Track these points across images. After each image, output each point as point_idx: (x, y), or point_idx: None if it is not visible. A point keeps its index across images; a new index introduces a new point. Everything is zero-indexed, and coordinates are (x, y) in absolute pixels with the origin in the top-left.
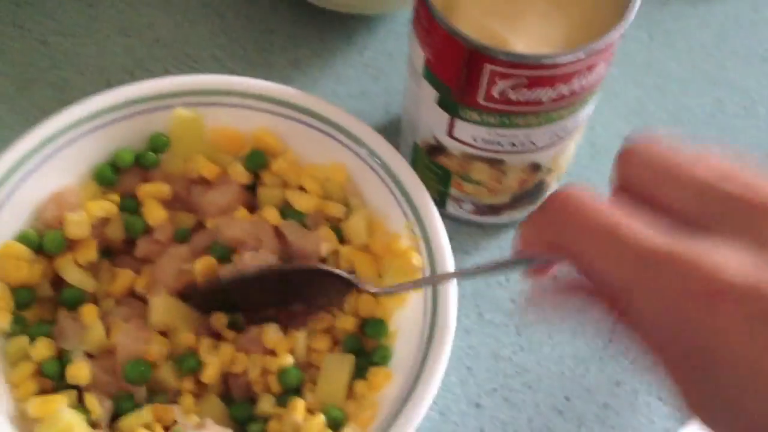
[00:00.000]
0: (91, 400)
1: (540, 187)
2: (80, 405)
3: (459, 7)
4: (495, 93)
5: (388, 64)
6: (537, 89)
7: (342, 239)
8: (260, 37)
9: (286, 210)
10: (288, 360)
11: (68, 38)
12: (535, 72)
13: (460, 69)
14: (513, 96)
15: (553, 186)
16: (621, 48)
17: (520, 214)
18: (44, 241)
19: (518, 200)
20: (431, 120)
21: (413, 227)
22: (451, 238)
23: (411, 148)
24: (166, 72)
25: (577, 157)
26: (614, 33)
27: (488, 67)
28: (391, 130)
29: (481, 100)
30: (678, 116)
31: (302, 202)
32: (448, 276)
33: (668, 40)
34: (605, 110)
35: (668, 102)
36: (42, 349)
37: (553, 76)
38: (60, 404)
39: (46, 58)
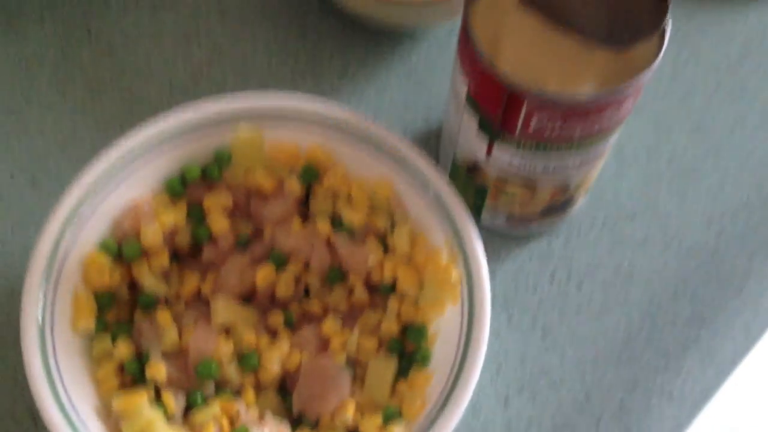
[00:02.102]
0: (168, 396)
1: (568, 201)
2: (157, 400)
3: (501, 43)
4: (531, 126)
5: (430, 75)
6: (570, 124)
7: (386, 250)
8: (310, 48)
9: (336, 221)
10: (342, 356)
11: (134, 46)
12: (569, 110)
13: (499, 103)
14: (548, 129)
15: (580, 199)
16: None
17: (549, 223)
18: (123, 250)
19: (548, 212)
20: (471, 141)
21: (452, 243)
22: (483, 245)
23: (450, 162)
24: (223, 80)
25: (604, 168)
26: (642, 76)
27: (526, 105)
28: (431, 139)
29: (518, 132)
30: (700, 129)
31: (352, 216)
32: None
33: (693, 54)
34: (631, 123)
35: (692, 115)
36: (123, 349)
37: (586, 113)
38: (141, 400)
39: (114, 66)
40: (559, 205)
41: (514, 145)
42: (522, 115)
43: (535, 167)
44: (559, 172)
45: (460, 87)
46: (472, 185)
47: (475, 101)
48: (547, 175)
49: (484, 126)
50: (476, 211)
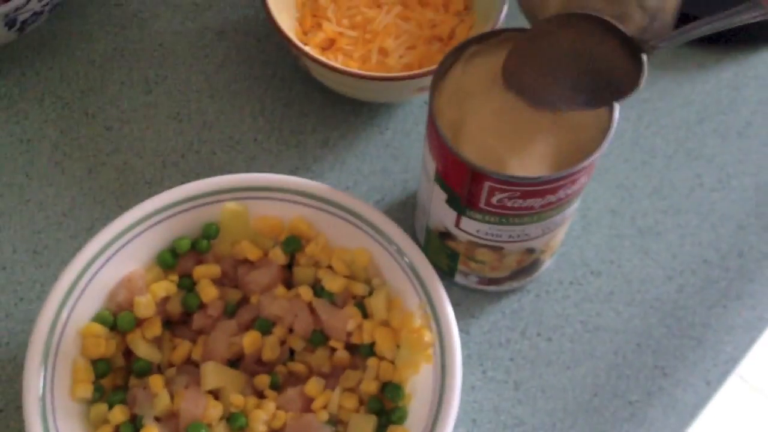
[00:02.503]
0: None
1: (535, 263)
2: None
3: (465, 128)
4: (494, 201)
5: (406, 144)
6: (528, 199)
7: (365, 314)
8: (294, 121)
9: (318, 288)
10: (324, 415)
11: (128, 124)
12: (526, 188)
13: (464, 182)
14: (509, 203)
15: (546, 261)
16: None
17: (518, 283)
18: (118, 321)
19: (516, 274)
20: (441, 213)
21: (425, 306)
22: (458, 304)
23: (424, 230)
24: (212, 154)
25: (570, 228)
26: (592, 157)
27: (487, 184)
28: (408, 205)
29: (482, 206)
30: (661, 190)
31: (332, 283)
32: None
33: (654, 118)
34: (595, 185)
35: (653, 176)
36: (118, 414)
37: (542, 190)
38: None
39: (110, 142)
40: (527, 267)
41: (479, 218)
42: (484, 193)
43: (500, 236)
44: (523, 239)
45: (429, 165)
46: (445, 250)
47: (442, 179)
48: (513, 242)
49: (452, 201)
50: (450, 272)
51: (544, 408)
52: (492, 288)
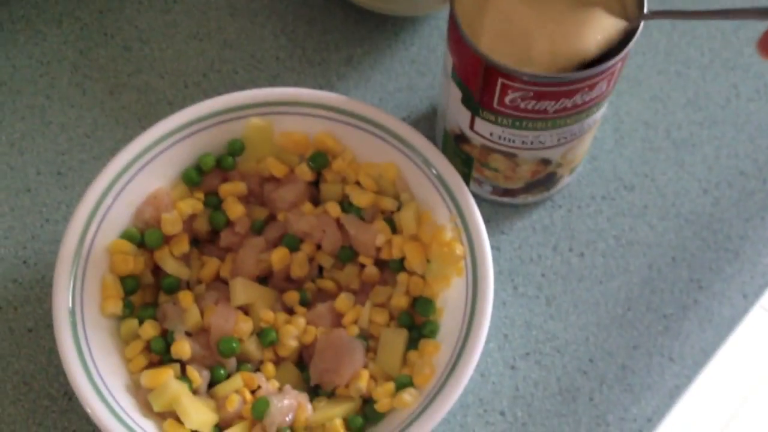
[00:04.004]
0: (192, 372)
1: (551, 177)
2: (183, 376)
3: (483, 24)
4: (507, 101)
5: (432, 60)
6: (542, 101)
7: (394, 230)
8: (317, 38)
9: (346, 204)
10: (355, 330)
11: (148, 44)
12: (540, 88)
13: (478, 78)
14: (522, 105)
15: (565, 177)
16: (645, 36)
17: (533, 197)
18: (145, 238)
19: (531, 187)
20: (457, 114)
21: (456, 220)
22: (487, 220)
23: (442, 134)
24: (234, 73)
25: (602, 142)
26: (612, 62)
27: (500, 80)
28: (433, 117)
29: (495, 105)
30: (696, 102)
31: (360, 198)
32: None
33: (689, 27)
34: (628, 97)
35: (688, 88)
36: (149, 329)
37: (556, 92)
38: (168, 376)
39: (130, 63)
40: (542, 180)
41: (492, 119)
42: (498, 90)
43: (513, 141)
44: (537, 147)
45: (447, 63)
46: (460, 155)
47: (458, 78)
48: (526, 149)
49: (466, 99)
50: (465, 179)
51: (577, 323)
52: (506, 200)
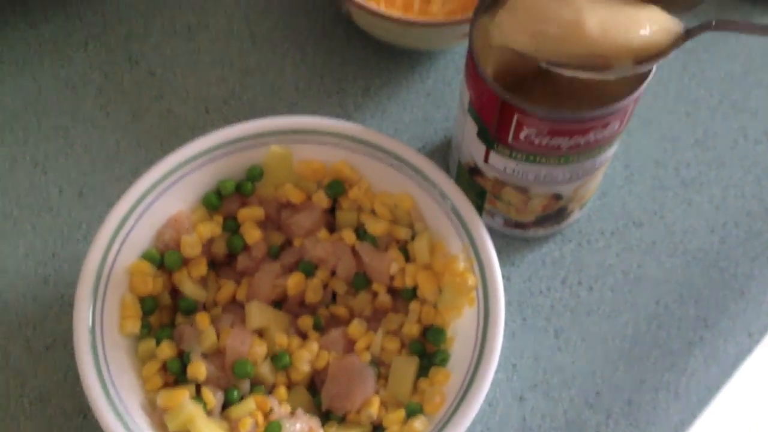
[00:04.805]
0: (207, 394)
1: (562, 211)
2: (197, 396)
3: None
4: (521, 136)
5: (447, 93)
6: (556, 138)
7: (408, 258)
8: (336, 68)
9: (361, 232)
10: (367, 356)
11: (172, 70)
12: (554, 125)
13: (494, 113)
14: (536, 140)
15: (575, 212)
16: (656, 77)
17: (544, 231)
18: (165, 260)
19: (542, 220)
20: (472, 147)
21: (469, 250)
22: (498, 252)
23: (456, 165)
24: (254, 100)
25: (612, 178)
26: (623, 102)
27: (516, 116)
28: (447, 150)
29: (510, 140)
30: (705, 142)
31: (375, 226)
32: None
33: (699, 70)
34: (639, 136)
35: (697, 128)
36: (166, 349)
37: (570, 129)
38: (183, 396)
39: (154, 88)
40: (552, 215)
41: (507, 153)
42: (513, 126)
43: (526, 175)
44: (550, 182)
45: (464, 97)
46: (474, 187)
47: (475, 112)
48: (539, 184)
49: (482, 133)
50: (477, 211)
51: (584, 356)
52: (517, 232)
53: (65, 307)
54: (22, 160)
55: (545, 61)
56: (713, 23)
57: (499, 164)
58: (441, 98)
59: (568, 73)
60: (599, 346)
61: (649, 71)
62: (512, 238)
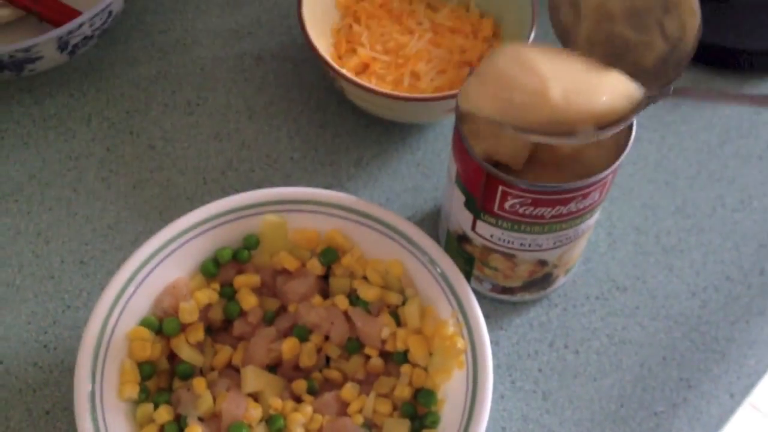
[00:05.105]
0: None
1: (547, 277)
2: None
3: (485, 136)
4: (506, 206)
5: (436, 163)
6: (539, 207)
7: (399, 323)
8: (329, 141)
9: (354, 297)
10: (359, 419)
11: (171, 143)
12: (536, 196)
13: (480, 185)
14: (520, 210)
15: (560, 277)
16: (636, 147)
17: (531, 295)
18: (163, 326)
19: (529, 285)
20: (460, 216)
21: (458, 315)
22: (487, 316)
23: (445, 233)
24: (251, 171)
25: (596, 245)
26: (602, 174)
27: (501, 188)
28: (437, 218)
29: (496, 210)
30: (684, 210)
31: (367, 292)
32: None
33: (677, 140)
34: (620, 204)
35: (677, 197)
36: (164, 414)
37: (552, 200)
38: None
39: (153, 160)
40: (538, 280)
41: (493, 222)
42: (498, 196)
43: (512, 243)
44: (535, 249)
45: (452, 168)
46: (462, 254)
47: (462, 184)
48: (524, 251)
49: (469, 203)
50: (466, 277)
51: (572, 418)
52: (505, 297)
53: (65, 372)
54: (25, 231)
55: (511, 127)
56: (671, 90)
57: (485, 232)
58: (431, 168)
59: (533, 139)
60: (586, 408)
61: (627, 143)
62: (500, 302)
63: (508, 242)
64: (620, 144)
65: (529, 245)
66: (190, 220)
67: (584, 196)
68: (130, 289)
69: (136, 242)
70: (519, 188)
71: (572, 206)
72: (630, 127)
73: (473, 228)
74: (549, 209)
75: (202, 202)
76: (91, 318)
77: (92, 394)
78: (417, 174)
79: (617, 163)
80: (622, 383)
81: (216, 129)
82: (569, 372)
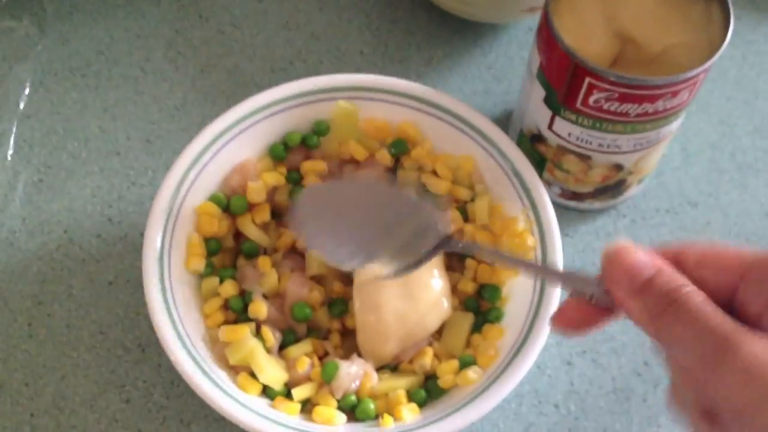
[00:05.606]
0: (267, 332)
1: (620, 184)
2: (257, 335)
3: (578, 27)
4: (591, 101)
5: (509, 67)
6: (625, 104)
7: (466, 219)
8: (400, 37)
9: (422, 190)
10: None
11: (240, 29)
12: (625, 90)
13: (565, 77)
14: (605, 106)
15: (633, 186)
16: (716, 65)
17: (600, 203)
18: (230, 204)
19: (599, 192)
20: (537, 113)
21: (528, 213)
22: None
23: (517, 134)
24: (319, 63)
25: (670, 159)
26: (695, 71)
27: (587, 80)
28: (506, 123)
29: (578, 105)
30: (762, 130)
31: (437, 185)
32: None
33: (759, 60)
34: (697, 119)
35: (755, 116)
36: (229, 288)
37: (640, 95)
38: (245, 332)
39: (222, 45)
40: (611, 186)
41: (573, 119)
42: (583, 90)
43: (590, 143)
44: (613, 151)
45: (533, 64)
46: (534, 155)
47: (544, 77)
48: (602, 152)
49: (549, 98)
50: None
51: (634, 327)
52: (573, 204)
53: (128, 246)
54: (92, 105)
55: None
56: (460, 246)
57: (563, 131)
58: (502, 72)
59: None
60: None
61: (722, 44)
62: (567, 209)
63: (587, 142)
64: (713, 46)
65: (608, 146)
66: (262, 100)
67: (674, 94)
68: (200, 164)
69: (202, 125)
70: (608, 80)
71: (659, 105)
72: (725, 29)
73: (550, 126)
74: (635, 106)
75: (269, 89)
76: (161, 189)
77: (160, 261)
78: (488, 77)
79: (711, 61)
80: None
81: (285, 18)
82: None
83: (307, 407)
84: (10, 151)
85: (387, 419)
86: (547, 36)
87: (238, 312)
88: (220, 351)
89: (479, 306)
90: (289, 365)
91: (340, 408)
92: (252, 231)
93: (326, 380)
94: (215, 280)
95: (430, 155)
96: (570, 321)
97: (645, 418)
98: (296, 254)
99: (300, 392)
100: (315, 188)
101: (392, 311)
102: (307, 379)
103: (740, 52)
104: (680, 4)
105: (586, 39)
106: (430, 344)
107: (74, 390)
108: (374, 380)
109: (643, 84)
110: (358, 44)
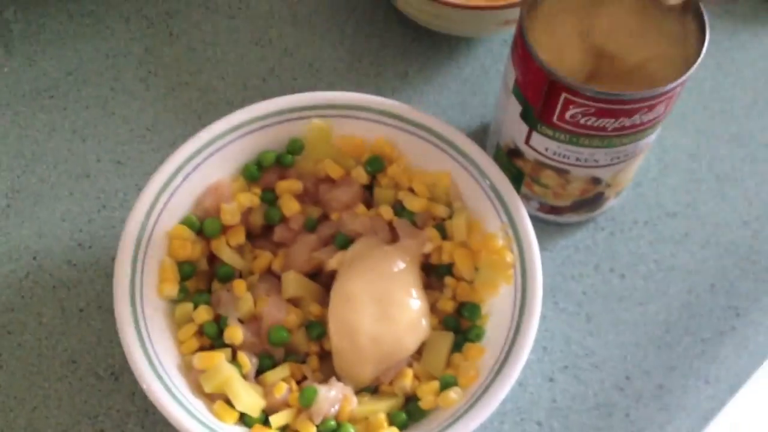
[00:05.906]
0: (243, 358)
1: (598, 197)
2: (233, 361)
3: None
4: (567, 116)
5: (484, 80)
6: (602, 118)
7: (445, 236)
8: (375, 52)
9: (398, 209)
10: None
11: (212, 46)
12: (602, 105)
13: (541, 92)
14: (582, 120)
15: (611, 198)
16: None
17: (578, 217)
18: (204, 226)
19: (578, 206)
20: (514, 128)
21: (507, 229)
22: None
23: (494, 148)
24: (293, 80)
25: (647, 170)
26: (672, 85)
27: (563, 95)
28: (483, 136)
29: (555, 120)
30: (739, 139)
31: (413, 203)
32: None
33: (734, 68)
34: (674, 129)
35: (731, 125)
36: (203, 313)
37: (617, 110)
38: (221, 359)
39: (193, 63)
40: (589, 200)
41: (550, 134)
42: (559, 105)
43: (568, 157)
44: (591, 165)
45: (509, 77)
46: (511, 169)
47: (520, 92)
48: (579, 166)
49: (525, 113)
50: None
51: (615, 341)
52: (551, 217)
53: (100, 271)
54: (61, 128)
55: None
56: None
57: (540, 145)
58: (478, 85)
59: None
60: (630, 332)
61: (698, 56)
62: (546, 223)
63: (564, 156)
64: (689, 59)
65: (585, 160)
66: (235, 120)
67: (650, 108)
68: (172, 186)
69: (174, 145)
70: (584, 96)
71: (636, 118)
72: (701, 42)
73: (527, 141)
74: (612, 121)
75: (242, 107)
76: (132, 213)
77: (132, 288)
78: (464, 90)
79: (687, 74)
80: (668, 309)
81: (258, 34)
82: (614, 296)
83: None
84: None
85: None
86: (522, 52)
87: (213, 338)
88: (195, 378)
89: (459, 325)
90: (267, 391)
91: None
92: (227, 254)
93: (305, 405)
94: (189, 305)
95: (406, 172)
96: None
97: None
98: (272, 276)
99: (278, 419)
100: None
101: (367, 334)
102: (285, 404)
103: (715, 61)
104: (655, 16)
105: (562, 54)
106: (410, 365)
107: (46, 422)
108: (354, 404)
109: (619, 99)
110: (332, 60)
